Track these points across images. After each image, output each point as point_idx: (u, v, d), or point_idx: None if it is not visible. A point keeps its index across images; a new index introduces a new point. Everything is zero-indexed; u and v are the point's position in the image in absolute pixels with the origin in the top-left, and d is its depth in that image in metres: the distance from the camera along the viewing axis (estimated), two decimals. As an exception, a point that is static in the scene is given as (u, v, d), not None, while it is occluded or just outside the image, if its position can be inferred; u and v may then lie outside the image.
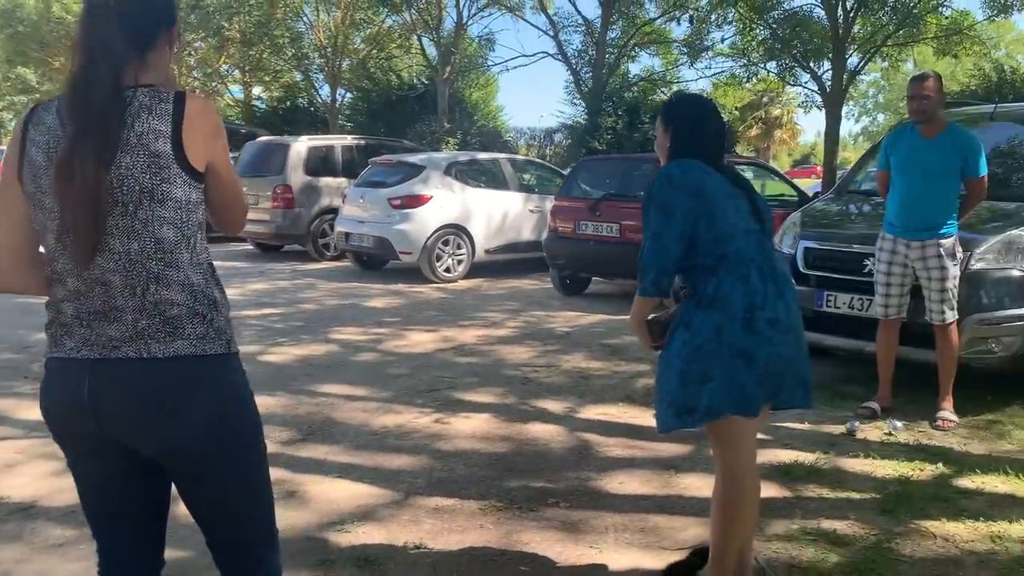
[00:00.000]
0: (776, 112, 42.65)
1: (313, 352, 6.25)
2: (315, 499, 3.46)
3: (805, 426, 4.48)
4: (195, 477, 1.68)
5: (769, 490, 3.50)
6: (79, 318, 1.59)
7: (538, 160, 15.61)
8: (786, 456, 4.01)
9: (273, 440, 4.17)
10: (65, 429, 1.68)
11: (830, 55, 18.03)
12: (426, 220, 10.04)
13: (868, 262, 4.87)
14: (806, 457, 4.00)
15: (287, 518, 3.23)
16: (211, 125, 1.59)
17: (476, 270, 10.57)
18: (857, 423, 4.46)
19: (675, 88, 23.19)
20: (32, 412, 4.59)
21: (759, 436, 4.03)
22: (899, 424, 4.45)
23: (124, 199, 1.52)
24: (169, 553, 1.91)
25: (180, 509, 1.82)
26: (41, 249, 1.64)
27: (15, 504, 3.38)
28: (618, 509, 3.41)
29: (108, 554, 1.78)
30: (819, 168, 31.15)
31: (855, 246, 5.13)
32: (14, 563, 2.89)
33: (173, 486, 1.77)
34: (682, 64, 23.40)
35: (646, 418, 4.61)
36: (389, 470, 3.82)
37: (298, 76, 27.84)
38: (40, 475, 3.69)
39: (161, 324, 1.57)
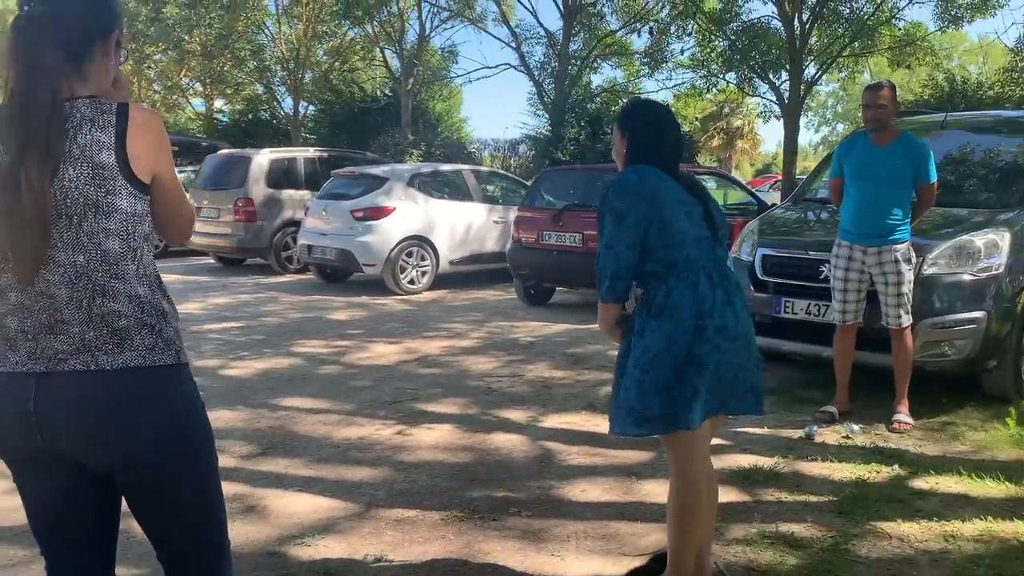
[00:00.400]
0: (737, 122, 43.21)
1: (275, 366, 6.19)
2: (275, 513, 3.43)
3: (764, 431, 4.54)
4: (146, 490, 1.66)
5: (728, 494, 3.55)
6: (24, 332, 1.56)
7: (502, 171, 15.66)
8: (745, 461, 4.05)
9: (233, 454, 4.12)
10: (11, 445, 1.65)
11: (787, 66, 18.35)
12: (389, 232, 10.01)
13: (824, 268, 4.96)
14: (765, 461, 4.05)
15: (246, 532, 3.20)
16: (155, 136, 1.58)
17: (440, 281, 10.55)
18: (815, 427, 4.52)
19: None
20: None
21: (719, 441, 4.11)
22: (856, 427, 4.53)
23: (69, 211, 1.51)
24: (123, 571, 1.88)
25: (134, 525, 1.80)
26: None
27: (-35, 525, 3.29)
28: (580, 517, 3.42)
29: (56, 568, 1.75)
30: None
31: (811, 253, 5.21)
32: (-37, 585, 2.82)
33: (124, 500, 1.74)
34: (643, 75, 23.66)
35: (607, 426, 4.64)
36: (351, 483, 3.79)
37: (260, 89, 27.66)
38: (-9, 495, 3.61)
39: (109, 335, 1.56)
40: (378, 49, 24.47)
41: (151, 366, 1.58)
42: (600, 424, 4.69)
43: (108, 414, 1.56)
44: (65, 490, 1.67)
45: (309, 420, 4.78)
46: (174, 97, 28.62)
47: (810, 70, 19.19)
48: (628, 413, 2.55)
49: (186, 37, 23.83)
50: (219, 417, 4.63)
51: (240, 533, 3.15)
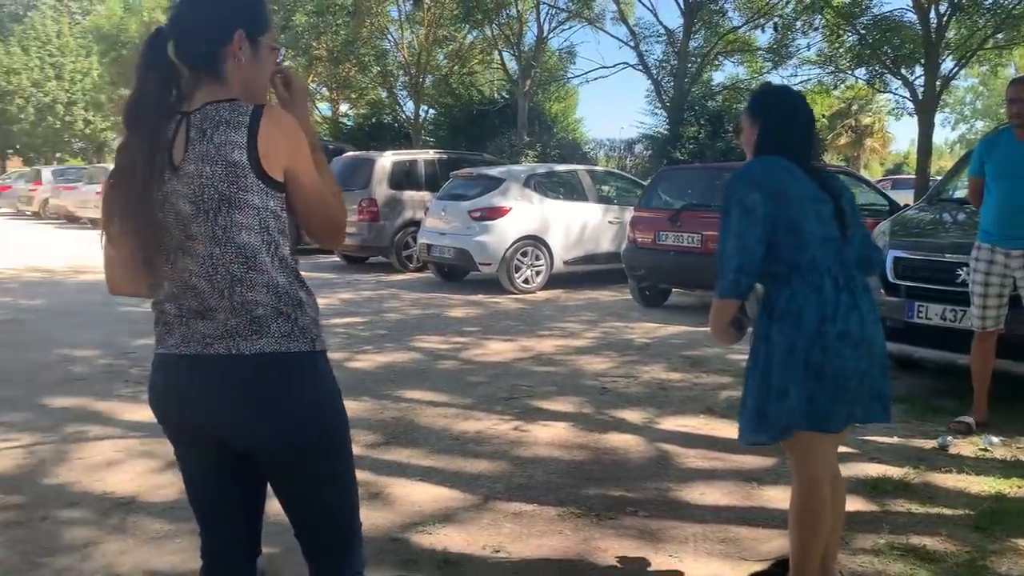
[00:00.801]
0: (866, 120, 41.35)
1: (396, 359, 6.38)
2: (398, 500, 3.55)
3: (894, 440, 4.35)
4: (283, 470, 1.76)
5: (855, 503, 3.43)
6: (180, 317, 1.69)
7: (617, 171, 15.56)
8: (873, 470, 3.90)
9: (358, 443, 4.28)
10: (169, 420, 1.79)
11: (922, 60, 17.43)
12: (505, 232, 10.14)
13: (961, 272, 4.71)
14: (895, 471, 3.88)
15: (371, 518, 3.32)
16: (285, 135, 1.65)
17: (554, 281, 10.60)
18: (950, 438, 4.30)
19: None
20: (132, 413, 4.84)
21: (846, 449, 3.97)
22: (995, 439, 4.28)
23: (205, 207, 1.61)
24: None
25: (271, 504, 1.91)
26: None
27: (118, 499, 3.56)
28: (698, 519, 3.38)
29: (209, 538, 1.88)
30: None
31: (948, 255, 4.96)
32: (118, 554, 3.05)
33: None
34: (767, 72, 22.97)
35: (727, 431, 4.56)
36: (469, 474, 3.88)
37: (383, 93, 28.47)
38: (140, 472, 3.89)
39: (248, 323, 1.66)
40: (496, 52, 24.76)
41: (285, 352, 1.67)
42: (718, 428, 4.62)
43: (245, 397, 1.66)
44: (214, 464, 1.79)
45: (429, 412, 4.91)
46: (302, 101, 29.77)
47: (947, 64, 18.15)
48: (750, 418, 2.50)
49: (314, 44, 24.79)
50: (345, 407, 4.81)
51: (365, 518, 3.23)
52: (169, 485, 3.68)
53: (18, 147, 46.06)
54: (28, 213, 26.48)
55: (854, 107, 40.20)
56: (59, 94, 43.80)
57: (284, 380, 1.67)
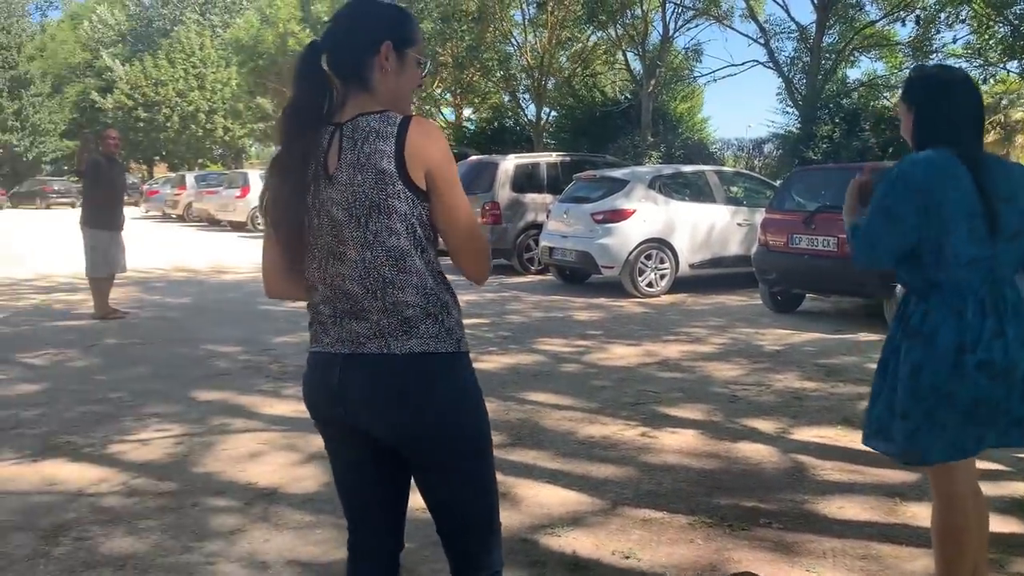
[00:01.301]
0: (1018, 115, 38.65)
1: (520, 361, 6.43)
2: (526, 502, 3.56)
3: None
4: (426, 466, 1.81)
5: (1007, 524, 3.21)
6: (334, 317, 1.77)
7: (747, 172, 15.15)
8: (1032, 491, 3.63)
9: (485, 444, 4.33)
10: (320, 414, 1.86)
11: (1083, 50, 16.16)
12: (628, 234, 10.04)
13: None
14: (1056, 493, 3.60)
15: (501, 518, 3.34)
16: (431, 142, 1.70)
17: (679, 285, 10.42)
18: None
19: (899, 93, 21.67)
20: (273, 407, 5.07)
21: (995, 466, 3.72)
22: None
23: (357, 213, 1.68)
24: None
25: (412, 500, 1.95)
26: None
27: (261, 489, 3.74)
28: (837, 534, 3.24)
29: (356, 529, 1.95)
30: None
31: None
32: (261, 542, 3.20)
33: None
34: (908, 67, 21.81)
35: (867, 442, 4.35)
36: (596, 479, 3.85)
37: (506, 97, 28.78)
38: (282, 464, 4.07)
39: (399, 323, 1.72)
40: (620, 52, 24.59)
41: (433, 352, 1.73)
42: (857, 440, 4.35)
43: (395, 394, 1.72)
44: (362, 457, 1.86)
45: (554, 415, 4.91)
46: (427, 107, 30.59)
47: (1111, 53, 16.79)
48: (876, 427, 2.39)
49: (439, 49, 25.32)
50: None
51: (494, 518, 3.31)
52: (310, 478, 3.84)
53: (164, 153, 49.28)
54: (173, 216, 28.23)
55: (1004, 102, 37.62)
56: (201, 103, 46.63)
57: (431, 378, 1.73)
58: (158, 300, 9.84)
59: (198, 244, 18.16)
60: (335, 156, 1.70)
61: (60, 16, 62.19)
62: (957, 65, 19.66)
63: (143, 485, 3.81)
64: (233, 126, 47.10)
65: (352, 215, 1.68)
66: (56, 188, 39.73)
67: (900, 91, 2.50)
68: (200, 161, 48.71)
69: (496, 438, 4.37)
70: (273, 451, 4.28)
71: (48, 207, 37.81)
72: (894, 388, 2.31)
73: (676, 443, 4.40)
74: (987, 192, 2.22)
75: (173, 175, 34.77)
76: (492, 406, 5.01)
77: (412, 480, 1.89)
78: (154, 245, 17.69)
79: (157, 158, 50.74)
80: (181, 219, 27.30)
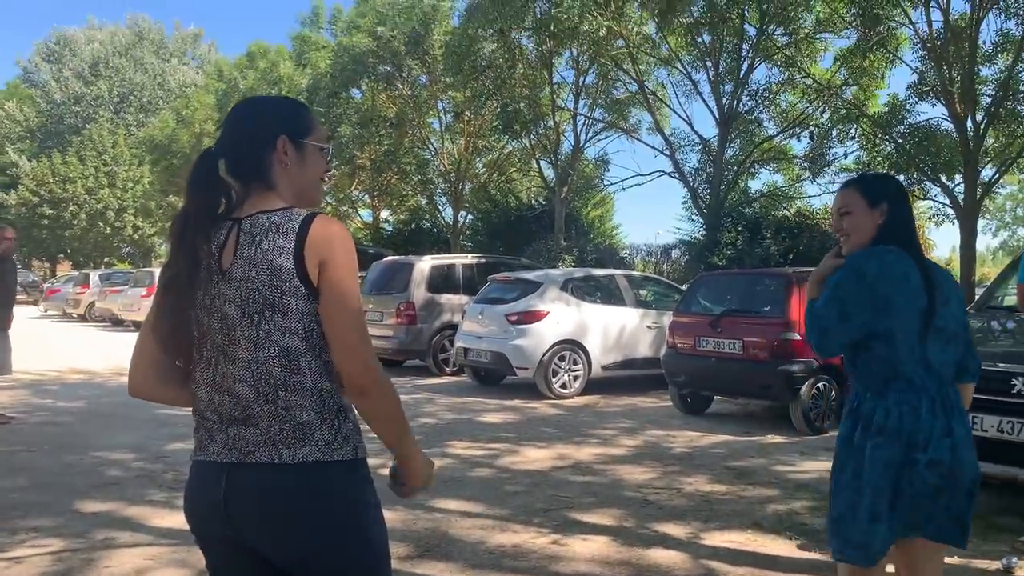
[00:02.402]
0: (904, 226, 41.21)
1: (431, 467, 6.25)
2: (430, 619, 3.39)
3: (956, 561, 4.09)
4: None
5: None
6: (220, 423, 1.67)
7: (655, 276, 15.56)
8: (936, 594, 3.65)
9: (392, 555, 4.14)
10: (201, 530, 1.73)
11: (962, 168, 17.43)
12: (543, 335, 10.10)
13: (1016, 382, 4.53)
14: (959, 596, 3.64)
15: (402, 638, 3.17)
16: (332, 236, 1.63)
17: (592, 387, 10.46)
18: (1015, 559, 4.05)
19: (797, 203, 22.80)
20: (164, 520, 4.76)
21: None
22: (1064, 562, 4.01)
23: (249, 310, 1.62)
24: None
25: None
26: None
27: (143, 611, 3.45)
28: (749, 645, 3.17)
29: None
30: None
31: (1001, 364, 4.79)
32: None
33: None
34: (805, 179, 23.12)
35: (777, 547, 4.36)
36: (505, 592, 3.71)
37: (423, 200, 29.14)
38: (168, 582, 3.78)
39: (292, 429, 1.62)
40: (534, 160, 25.34)
41: (328, 461, 1.63)
42: (767, 544, 4.40)
43: (287, 507, 1.61)
44: (244, 576, 1.72)
45: (464, 523, 4.76)
46: (345, 208, 30.67)
47: (987, 172, 18.14)
48: (845, 535, 2.34)
49: (357, 153, 25.61)
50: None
51: (396, 637, 3.12)
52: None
53: (68, 251, 47.70)
54: (74, 316, 27.09)
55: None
56: (111, 201, 45.62)
57: (326, 493, 1.63)
58: (49, 404, 9.29)
59: (99, 345, 17.40)
60: (231, 252, 1.64)
61: (-36, 110, 60.62)
62: (849, 177, 20.90)
63: (11, 610, 3.48)
64: (143, 224, 46.12)
65: (245, 312, 1.61)
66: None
67: (853, 189, 2.52)
68: (107, 259, 47.28)
69: (402, 550, 4.22)
70: (161, 567, 3.99)
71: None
72: (857, 490, 2.30)
73: (588, 551, 4.29)
74: (933, 292, 2.32)
75: (76, 273, 33.53)
76: (398, 515, 4.87)
77: None
78: (51, 346, 16.86)
79: (61, 256, 49.06)
80: (83, 319, 26.20)
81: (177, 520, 4.72)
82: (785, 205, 23.04)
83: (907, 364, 2.28)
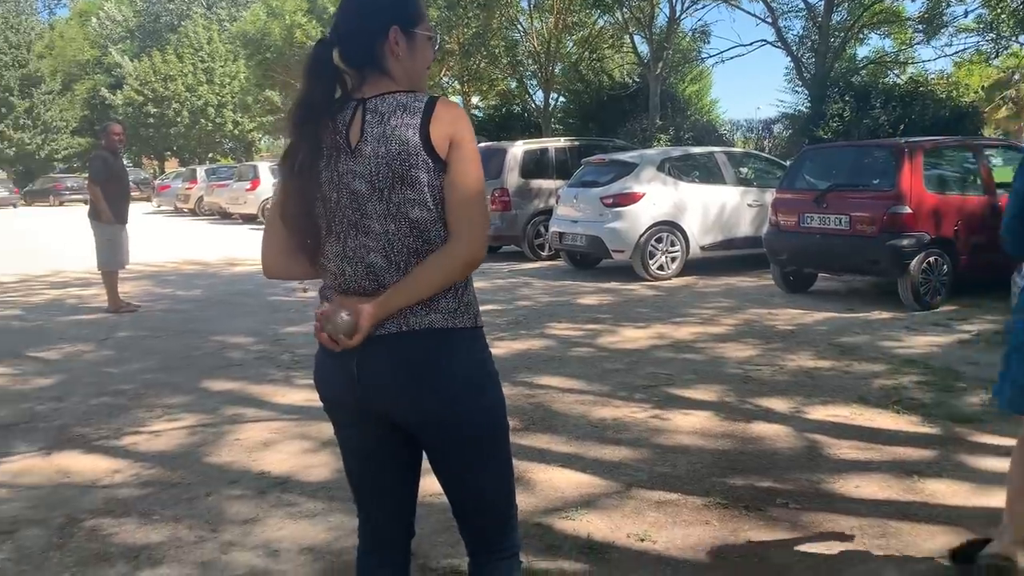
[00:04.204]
0: (1030, 90, 38.18)
1: (531, 346, 6.40)
2: (539, 486, 3.54)
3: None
4: (446, 447, 1.77)
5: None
6: (351, 296, 1.73)
7: (756, 152, 15.04)
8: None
9: (497, 429, 4.32)
10: (334, 399, 1.83)
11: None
12: (639, 217, 9.99)
13: None
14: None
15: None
16: (457, 116, 1.69)
17: (690, 267, 10.36)
18: None
19: (910, 69, 21.40)
20: (284, 397, 5.07)
21: None
22: None
23: (380, 185, 1.66)
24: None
25: (425, 484, 1.94)
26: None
27: (274, 478, 3.73)
28: (854, 513, 3.20)
29: (367, 516, 1.93)
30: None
31: None
32: (276, 530, 3.20)
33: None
34: (918, 43, 21.58)
35: (883, 420, 4.33)
36: (610, 462, 3.83)
37: (513, 83, 28.65)
38: (294, 453, 4.06)
39: None
40: (627, 35, 24.41)
41: (452, 328, 1.70)
42: (873, 419, 4.37)
43: (414, 372, 1.69)
44: (374, 444, 1.83)
45: (566, 399, 4.89)
46: (435, 95, 30.42)
47: None
48: (1013, 387, 2.50)
49: (446, 37, 25.20)
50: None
51: (507, 503, 3.29)
52: (322, 466, 3.83)
53: (175, 148, 49.36)
54: (185, 210, 28.31)
55: (1015, 76, 37.23)
56: (210, 97, 46.61)
57: (452, 355, 1.70)
58: (170, 293, 9.86)
59: (209, 237, 18.21)
60: (358, 130, 1.68)
61: (68, 13, 62.29)
62: (968, 39, 19.34)
63: (156, 476, 3.82)
64: (242, 120, 47.06)
65: (375, 187, 1.66)
66: (68, 185, 39.91)
67: None
68: (210, 155, 48.72)
69: (510, 423, 4.37)
70: (285, 440, 4.28)
71: (61, 204, 38.00)
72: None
73: (689, 424, 4.36)
74: None
75: (184, 170, 34.81)
76: (504, 391, 5.01)
77: (422, 466, 1.87)
78: (166, 239, 17.74)
79: (168, 153, 50.83)
80: (193, 213, 27.37)
81: (296, 397, 5.02)
82: (896, 72, 21.65)
83: None
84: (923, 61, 23.58)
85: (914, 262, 7.38)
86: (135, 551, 3.05)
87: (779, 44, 21.07)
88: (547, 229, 11.77)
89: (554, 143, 13.59)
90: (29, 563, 2.99)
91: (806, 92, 20.17)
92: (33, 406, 5.02)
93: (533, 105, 28.16)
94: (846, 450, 3.92)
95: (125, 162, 8.61)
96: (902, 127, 15.73)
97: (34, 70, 46.02)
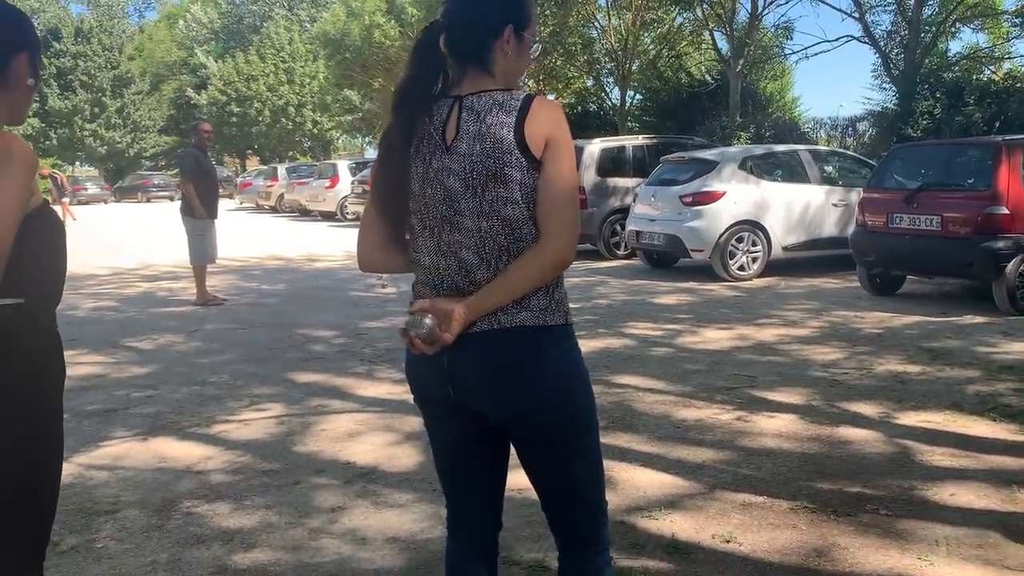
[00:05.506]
0: None
1: (610, 345, 6.37)
2: (622, 485, 3.53)
3: None
4: (537, 442, 1.78)
5: None
6: (442, 294, 1.75)
7: (841, 150, 14.63)
8: None
9: (577, 426, 4.31)
10: (426, 394, 1.85)
11: None
12: (719, 216, 9.83)
13: None
14: None
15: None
16: (554, 114, 1.70)
17: (772, 268, 10.15)
18: None
19: (1005, 65, 20.51)
20: (368, 390, 5.17)
21: None
22: None
23: (473, 183, 1.68)
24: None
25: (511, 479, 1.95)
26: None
27: (360, 468, 3.81)
28: (950, 522, 3.10)
29: (456, 508, 1.95)
30: None
31: None
32: (362, 519, 3.26)
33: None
34: (1015, 37, 20.65)
35: (979, 428, 4.17)
36: (693, 463, 3.79)
37: (589, 81, 28.52)
38: (379, 444, 4.14)
39: None
40: (707, 32, 24.05)
41: (543, 326, 1.70)
42: (968, 425, 4.21)
43: (506, 370, 1.70)
44: (466, 437, 1.85)
45: (647, 399, 4.85)
46: (512, 93, 30.47)
47: None
48: None
49: (523, 36, 25.22)
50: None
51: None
52: (407, 457, 3.90)
53: (256, 147, 50.80)
54: (266, 207, 29.09)
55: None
56: (291, 97, 47.83)
57: (544, 353, 1.70)
58: (255, 287, 10.15)
59: (290, 233, 18.66)
60: (454, 127, 1.70)
61: (156, 17, 64.78)
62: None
63: (247, 463, 3.94)
64: (321, 119, 48.15)
65: (468, 185, 1.68)
66: (156, 182, 41.48)
67: None
68: (290, 154, 49.97)
69: (598, 418, 4.36)
70: (370, 431, 4.36)
71: (148, 201, 39.49)
72: None
73: (774, 427, 4.28)
74: None
75: (265, 167, 35.77)
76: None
77: (509, 460, 1.89)
78: (249, 235, 18.25)
79: (249, 151, 52.35)
80: (273, 210, 28.10)
81: (379, 390, 5.12)
82: (991, 67, 20.77)
83: None
84: (1020, 55, 22.54)
85: (1011, 265, 7.07)
86: (229, 535, 3.16)
87: (866, 40, 20.44)
88: (623, 228, 11.68)
89: (632, 141, 13.49)
90: (132, 542, 3.12)
91: (894, 89, 19.54)
92: (129, 393, 5.24)
93: (609, 103, 27.98)
94: (939, 457, 3.78)
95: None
96: (997, 125, 15.08)
97: (125, 71, 48.04)
